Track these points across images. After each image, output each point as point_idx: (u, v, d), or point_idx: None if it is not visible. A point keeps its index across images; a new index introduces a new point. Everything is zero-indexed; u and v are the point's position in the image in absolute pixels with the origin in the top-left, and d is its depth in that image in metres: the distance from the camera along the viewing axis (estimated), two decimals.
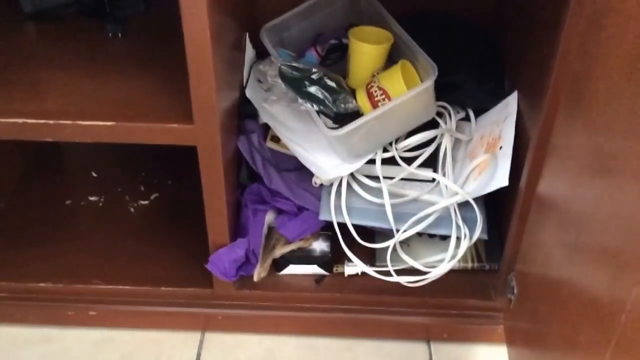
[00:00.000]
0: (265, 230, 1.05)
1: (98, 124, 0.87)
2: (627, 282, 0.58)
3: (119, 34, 1.02)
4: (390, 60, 1.03)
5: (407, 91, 0.95)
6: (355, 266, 1.05)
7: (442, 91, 1.02)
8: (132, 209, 1.19)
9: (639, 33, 0.61)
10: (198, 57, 0.81)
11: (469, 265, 1.07)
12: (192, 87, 0.84)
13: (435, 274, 1.01)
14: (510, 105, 0.98)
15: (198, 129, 0.87)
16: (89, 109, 0.89)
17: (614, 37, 0.67)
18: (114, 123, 0.87)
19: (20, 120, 0.87)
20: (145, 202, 1.20)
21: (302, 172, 1.03)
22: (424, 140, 1.02)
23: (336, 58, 1.09)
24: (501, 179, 0.93)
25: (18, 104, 0.89)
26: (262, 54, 1.08)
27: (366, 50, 1.01)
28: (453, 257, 1.00)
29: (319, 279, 1.08)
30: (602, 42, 0.69)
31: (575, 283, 0.72)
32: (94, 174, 1.26)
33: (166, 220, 1.18)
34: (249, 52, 1.06)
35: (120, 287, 1.07)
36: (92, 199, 1.22)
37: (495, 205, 1.06)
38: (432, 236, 1.06)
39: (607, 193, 0.65)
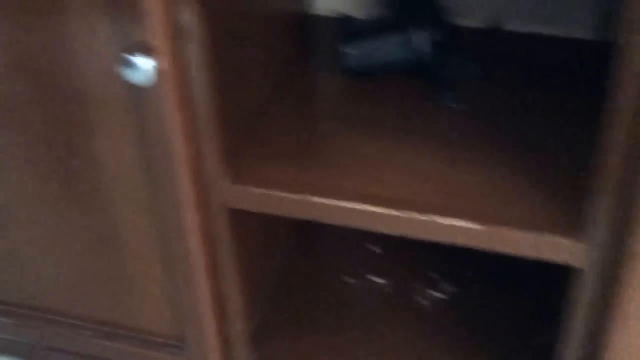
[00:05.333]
0: None
1: (458, 224, 0.69)
2: None
3: (455, 103, 0.85)
4: None
5: None
6: None
7: None
8: (423, 301, 1.01)
9: None
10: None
11: None
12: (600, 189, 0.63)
13: None
14: None
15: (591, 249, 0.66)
16: (439, 200, 0.71)
17: None
18: (481, 227, 0.69)
19: (358, 207, 0.72)
20: (440, 296, 1.02)
21: None
22: None
23: None
24: None
25: (350, 183, 0.74)
26: None
27: None
28: None
29: None
30: None
31: None
32: (377, 250, 1.11)
33: (466, 325, 0.98)
34: None
35: None
36: (374, 280, 1.06)
37: None
38: None
39: None
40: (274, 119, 0.83)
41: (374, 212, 0.70)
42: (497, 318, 0.97)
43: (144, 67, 0.63)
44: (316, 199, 0.72)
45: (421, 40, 0.84)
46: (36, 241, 0.86)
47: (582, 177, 0.70)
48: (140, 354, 0.98)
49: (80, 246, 0.85)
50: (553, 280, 0.94)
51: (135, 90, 0.68)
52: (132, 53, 0.64)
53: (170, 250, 0.79)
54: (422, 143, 0.79)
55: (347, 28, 0.89)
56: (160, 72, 0.64)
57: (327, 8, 1.06)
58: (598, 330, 0.69)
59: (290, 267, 1.07)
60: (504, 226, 0.68)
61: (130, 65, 0.63)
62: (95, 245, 0.85)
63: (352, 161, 0.77)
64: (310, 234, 1.14)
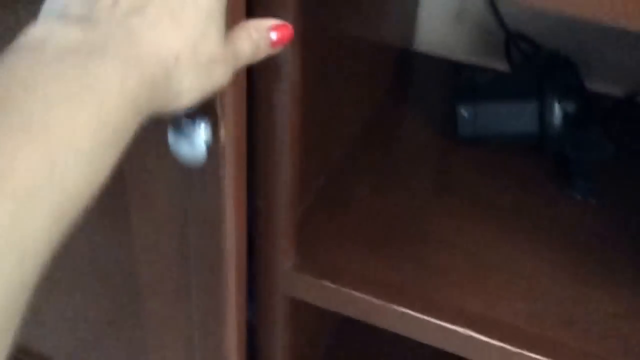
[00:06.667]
0: None
1: None
2: None
3: (585, 194, 0.68)
4: None
5: None
6: None
7: None
8: None
9: None
10: None
11: None
12: None
13: None
14: None
15: None
16: (565, 336, 0.54)
17: None
18: None
19: (458, 330, 0.54)
20: None
21: None
22: None
23: None
24: None
25: (446, 292, 0.57)
26: None
27: None
28: None
29: None
30: None
31: None
32: None
33: None
34: None
35: None
36: None
37: None
38: None
39: None
40: (353, 186, 0.67)
41: (479, 341, 0.54)
42: None
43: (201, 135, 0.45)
44: (402, 309, 0.56)
45: (553, 111, 0.67)
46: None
47: None
48: None
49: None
50: None
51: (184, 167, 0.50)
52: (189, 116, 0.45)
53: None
54: (542, 245, 0.62)
55: (458, 79, 0.73)
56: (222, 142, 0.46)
57: (431, 44, 0.90)
58: None
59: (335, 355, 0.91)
60: None
61: (182, 132, 0.45)
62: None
63: (451, 259, 0.60)
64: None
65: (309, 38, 0.52)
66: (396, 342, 0.89)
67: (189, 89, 0.36)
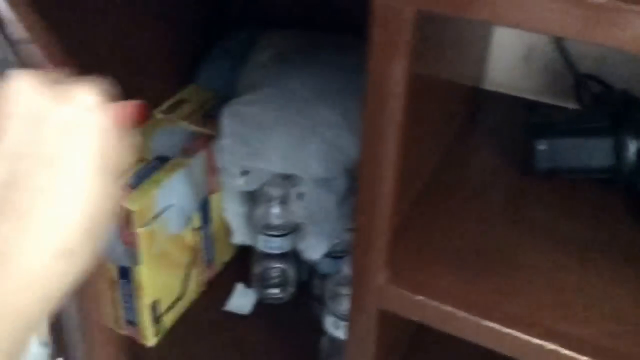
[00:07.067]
0: None
1: None
2: None
3: None
4: None
5: None
6: None
7: None
8: None
9: None
10: None
11: None
12: None
13: None
14: None
15: None
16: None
17: None
18: None
19: (547, 346, 0.57)
20: None
21: None
22: None
23: None
24: None
25: (529, 309, 0.60)
26: None
27: None
28: None
29: None
30: None
31: None
32: None
33: None
34: None
35: None
36: None
37: None
38: None
39: None
40: (435, 211, 0.71)
41: (563, 355, 0.57)
42: None
43: None
44: (488, 323, 0.59)
45: (628, 147, 0.71)
46: None
47: None
48: None
49: None
50: None
51: None
52: None
53: None
54: (619, 273, 0.65)
55: (534, 115, 0.77)
56: None
57: (501, 84, 0.94)
58: None
59: None
60: None
61: None
62: None
63: (531, 280, 0.64)
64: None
65: (412, 81, 0.58)
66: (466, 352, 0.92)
67: (88, 261, 0.30)
